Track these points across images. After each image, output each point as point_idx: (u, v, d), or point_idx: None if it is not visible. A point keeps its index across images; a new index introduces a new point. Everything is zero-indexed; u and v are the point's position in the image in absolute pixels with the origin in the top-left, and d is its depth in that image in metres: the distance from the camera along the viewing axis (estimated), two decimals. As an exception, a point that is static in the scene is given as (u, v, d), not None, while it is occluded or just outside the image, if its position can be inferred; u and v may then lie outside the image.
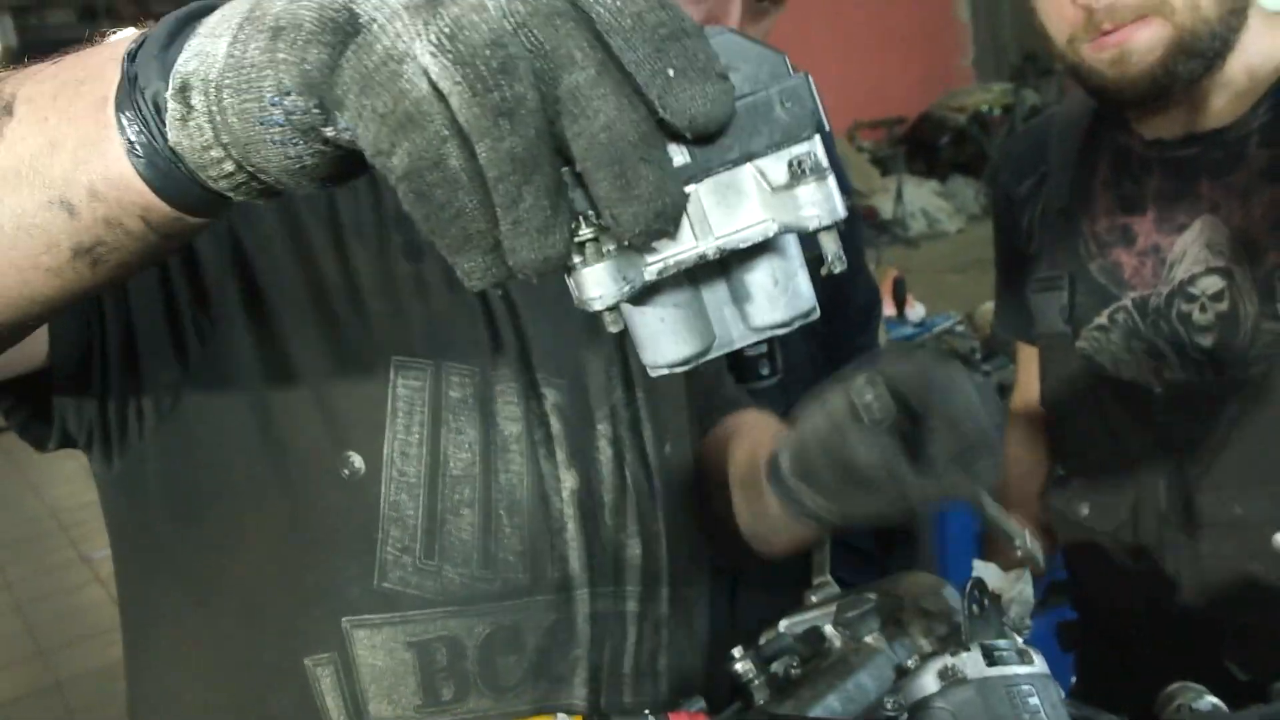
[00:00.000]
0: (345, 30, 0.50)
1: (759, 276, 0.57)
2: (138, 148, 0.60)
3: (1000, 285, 1.89)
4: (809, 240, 0.56)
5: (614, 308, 0.53)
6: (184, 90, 0.55)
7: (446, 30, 0.48)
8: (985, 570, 1.01)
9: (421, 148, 0.48)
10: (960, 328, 3.71)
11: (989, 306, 3.59)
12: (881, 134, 11.85)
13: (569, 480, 1.08)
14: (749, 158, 0.53)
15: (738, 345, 0.59)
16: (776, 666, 0.99)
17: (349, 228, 1.05)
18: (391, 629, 1.01)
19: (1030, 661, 0.81)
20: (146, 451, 1.02)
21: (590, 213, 0.51)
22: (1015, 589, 1.02)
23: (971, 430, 0.91)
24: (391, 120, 0.48)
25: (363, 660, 1.01)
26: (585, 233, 0.51)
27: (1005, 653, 0.81)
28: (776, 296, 0.57)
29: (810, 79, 0.54)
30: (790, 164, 0.53)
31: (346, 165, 0.55)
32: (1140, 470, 1.58)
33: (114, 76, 0.61)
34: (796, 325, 0.58)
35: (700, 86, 0.50)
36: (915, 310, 3.88)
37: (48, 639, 4.71)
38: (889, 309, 3.75)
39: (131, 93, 0.60)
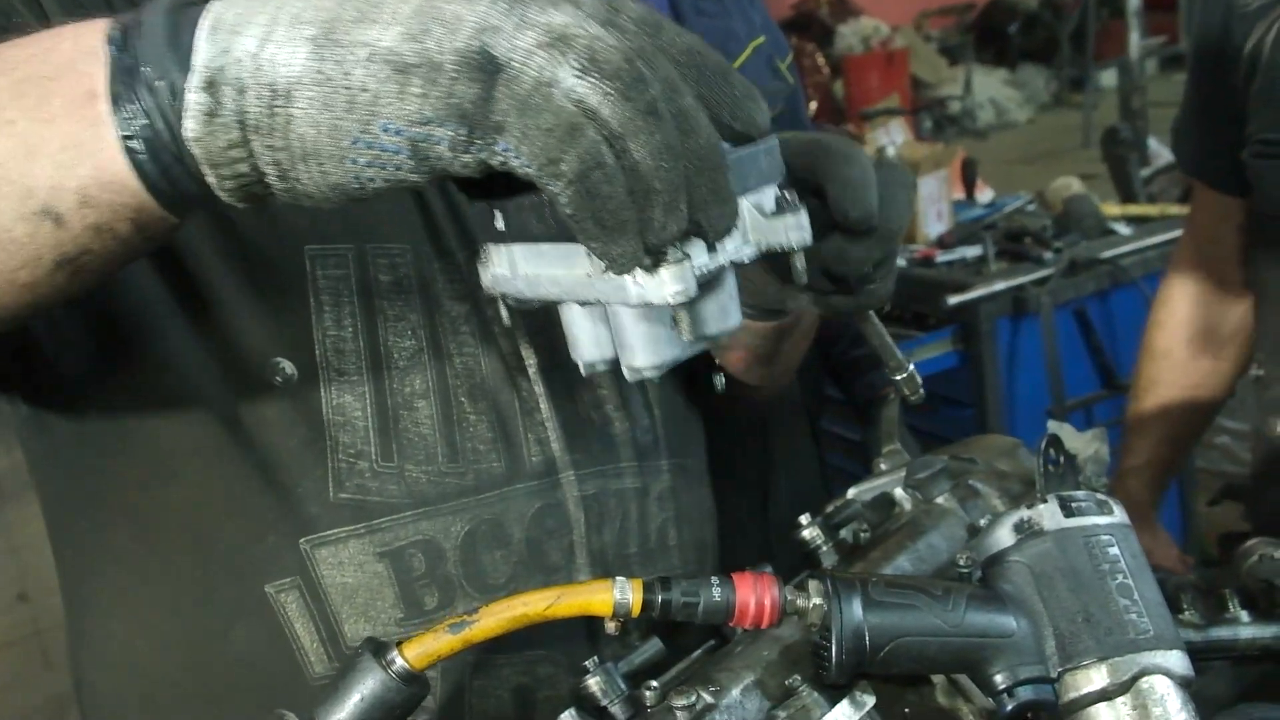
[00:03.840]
0: (487, 69, 0.57)
1: (720, 291, 0.69)
2: (138, 142, 0.60)
3: (1189, 108, 1.56)
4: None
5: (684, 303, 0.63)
6: (211, 86, 0.58)
7: (585, 56, 0.57)
8: (1061, 429, 0.98)
9: (587, 149, 0.56)
10: (1031, 206, 3.59)
11: (1061, 183, 3.49)
12: (950, 22, 11.49)
13: (532, 357, 1.01)
14: (743, 192, 0.68)
15: (688, 355, 0.70)
16: (845, 533, 0.97)
17: None
18: (358, 542, 0.94)
19: (1110, 512, 0.78)
20: (50, 382, 0.94)
21: None
22: (1091, 449, 0.99)
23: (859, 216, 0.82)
24: (558, 132, 0.56)
25: (330, 580, 0.94)
26: None
27: (1084, 503, 0.78)
28: (722, 312, 0.70)
29: (778, 141, 0.70)
30: (777, 197, 0.69)
31: (393, 195, 0.62)
32: None
33: (95, 69, 0.61)
34: (723, 340, 0.71)
35: (756, 103, 0.64)
36: (985, 193, 3.79)
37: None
38: (958, 192, 3.67)
39: (132, 84, 0.60)
